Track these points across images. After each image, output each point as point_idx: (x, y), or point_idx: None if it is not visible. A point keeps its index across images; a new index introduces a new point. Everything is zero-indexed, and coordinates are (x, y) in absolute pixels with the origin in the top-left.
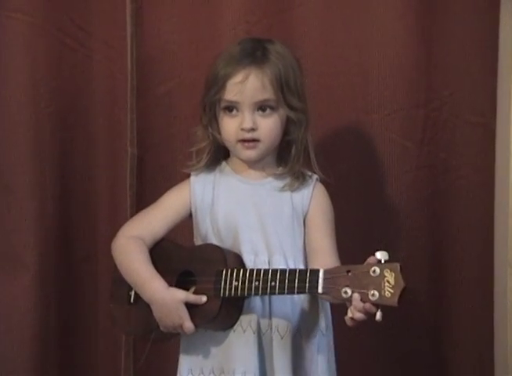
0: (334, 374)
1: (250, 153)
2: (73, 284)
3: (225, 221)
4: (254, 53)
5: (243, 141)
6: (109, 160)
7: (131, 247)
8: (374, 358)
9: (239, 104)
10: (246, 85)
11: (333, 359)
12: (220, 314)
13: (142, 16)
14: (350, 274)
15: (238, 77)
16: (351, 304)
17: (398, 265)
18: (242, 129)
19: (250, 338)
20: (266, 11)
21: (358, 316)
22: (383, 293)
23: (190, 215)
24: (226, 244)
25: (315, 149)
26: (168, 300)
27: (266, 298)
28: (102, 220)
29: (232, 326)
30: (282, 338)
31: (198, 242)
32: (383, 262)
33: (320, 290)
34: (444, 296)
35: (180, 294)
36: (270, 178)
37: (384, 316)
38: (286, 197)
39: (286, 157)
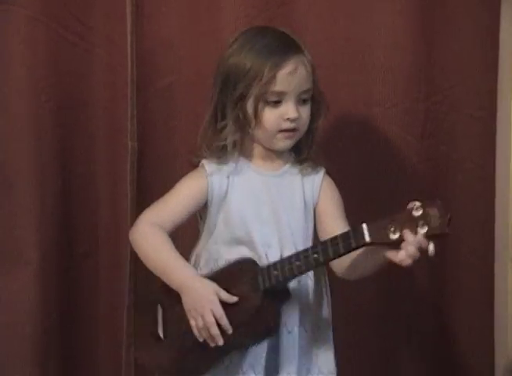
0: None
1: (288, 143)
2: (74, 280)
3: (239, 213)
4: (294, 42)
5: (285, 131)
6: (110, 155)
7: (156, 236)
8: (374, 357)
9: (286, 94)
10: (296, 75)
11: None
12: (263, 307)
13: (142, 9)
14: (394, 221)
15: (289, 68)
16: (399, 247)
17: (437, 199)
18: (287, 119)
19: None
20: (266, 4)
21: (412, 250)
22: (432, 224)
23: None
24: (237, 236)
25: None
26: (200, 288)
27: None
28: (103, 215)
29: (275, 325)
30: (289, 333)
31: (205, 231)
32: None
33: (368, 239)
34: (444, 293)
35: (213, 284)
36: (287, 167)
37: (382, 315)
38: (298, 188)
39: (300, 145)
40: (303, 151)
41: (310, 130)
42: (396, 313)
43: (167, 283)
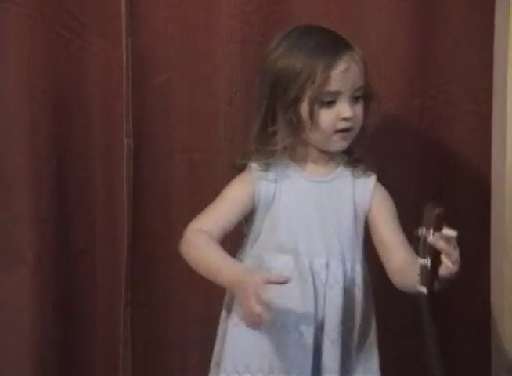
0: None
1: (344, 144)
2: (70, 278)
3: (285, 220)
4: (342, 40)
5: (341, 131)
6: (106, 152)
7: (200, 240)
8: None
9: (340, 94)
10: (350, 73)
11: None
12: None
13: (137, 6)
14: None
15: (342, 66)
16: None
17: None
18: (343, 119)
19: (308, 342)
20: (263, 0)
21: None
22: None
23: None
24: (282, 244)
25: None
26: (248, 280)
27: (321, 300)
28: (99, 213)
29: None
30: (332, 343)
31: (250, 236)
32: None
33: None
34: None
35: (260, 273)
36: (339, 170)
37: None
38: (348, 194)
39: (352, 145)
40: (355, 151)
41: (361, 128)
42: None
43: (221, 284)
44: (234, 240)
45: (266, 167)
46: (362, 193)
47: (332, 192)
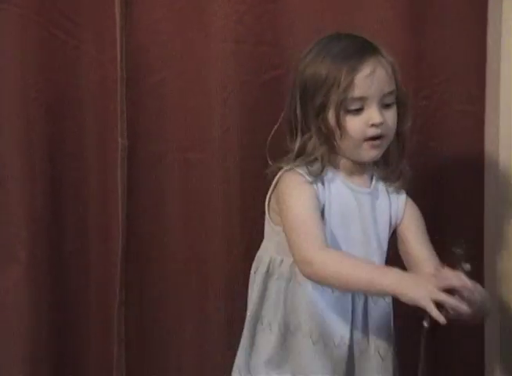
0: None
1: (376, 152)
2: (64, 278)
3: (332, 231)
4: (370, 44)
5: (371, 139)
6: (100, 152)
7: (333, 256)
8: None
9: (367, 99)
10: (375, 78)
11: None
12: None
13: (131, 6)
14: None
15: (366, 70)
16: None
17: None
18: (372, 125)
19: (342, 355)
20: (256, 0)
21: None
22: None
23: None
24: None
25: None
26: (415, 276)
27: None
28: (93, 212)
29: None
30: (383, 361)
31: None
32: None
33: None
34: None
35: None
36: (374, 182)
37: None
38: (386, 208)
39: (387, 156)
40: (390, 162)
41: (397, 137)
42: None
43: (377, 292)
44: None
45: (312, 173)
46: (396, 206)
47: (372, 204)
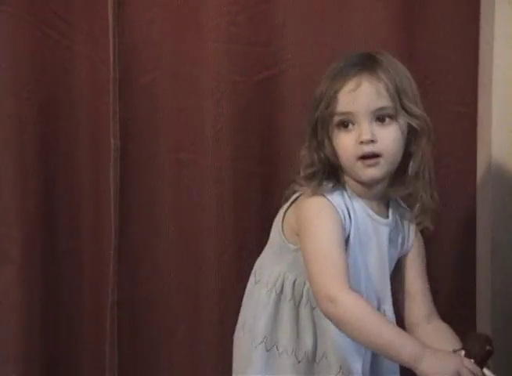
0: None
1: (373, 172)
2: (57, 277)
3: (353, 256)
4: (364, 62)
5: (364, 158)
6: (92, 152)
7: (362, 310)
8: None
9: (354, 115)
10: (360, 93)
11: None
12: None
13: (123, 6)
14: None
15: (349, 86)
16: None
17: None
18: (361, 142)
19: None
20: (249, 0)
21: None
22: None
23: None
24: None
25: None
26: (440, 352)
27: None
28: (85, 213)
29: None
30: None
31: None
32: None
33: None
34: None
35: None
36: (391, 211)
37: None
38: (399, 240)
39: (402, 176)
40: (397, 188)
41: (411, 155)
42: None
43: (391, 356)
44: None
45: (339, 198)
46: (406, 237)
47: (388, 234)
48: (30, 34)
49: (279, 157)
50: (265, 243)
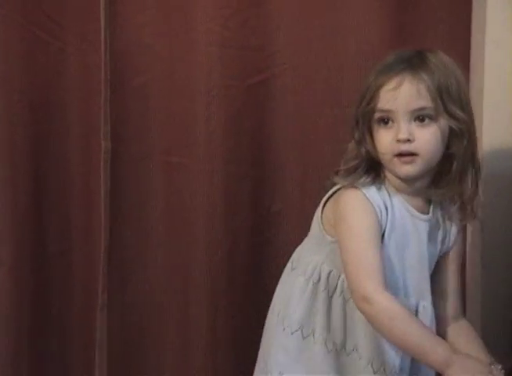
0: None
1: (408, 169)
2: (47, 279)
3: (389, 255)
4: (411, 60)
5: (400, 155)
6: (83, 154)
7: (400, 314)
8: None
9: (394, 114)
10: (400, 92)
11: None
12: None
13: (115, 8)
14: None
15: (391, 84)
16: None
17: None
18: (398, 141)
19: None
20: (241, 4)
21: None
22: None
23: None
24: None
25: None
26: (468, 357)
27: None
28: (76, 214)
29: None
30: None
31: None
32: None
33: None
34: None
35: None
36: (432, 208)
37: None
38: (439, 237)
39: (445, 177)
40: (442, 185)
41: (453, 157)
42: None
43: (420, 358)
44: None
45: (376, 193)
46: (448, 237)
47: (429, 231)
48: (22, 35)
49: (270, 161)
50: (257, 244)
